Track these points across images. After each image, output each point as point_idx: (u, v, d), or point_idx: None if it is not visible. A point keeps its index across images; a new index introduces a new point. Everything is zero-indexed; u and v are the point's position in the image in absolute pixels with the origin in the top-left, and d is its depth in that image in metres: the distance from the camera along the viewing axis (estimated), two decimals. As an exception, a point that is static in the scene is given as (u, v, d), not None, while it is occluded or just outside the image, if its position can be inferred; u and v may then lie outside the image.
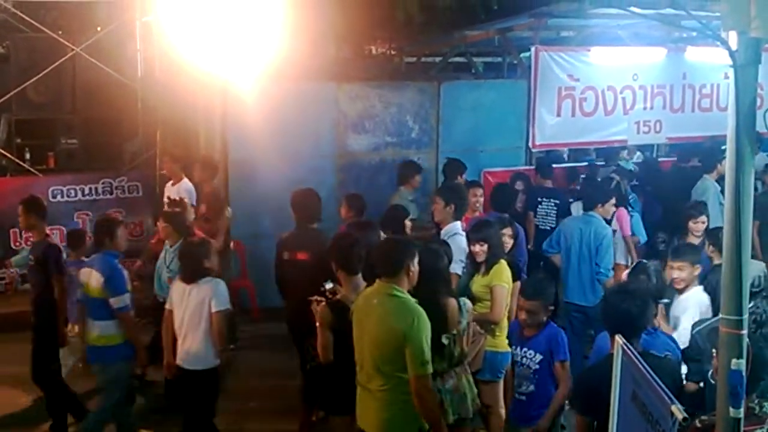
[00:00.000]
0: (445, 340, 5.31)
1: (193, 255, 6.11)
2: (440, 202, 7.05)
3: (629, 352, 3.62)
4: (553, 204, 9.68)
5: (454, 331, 5.41)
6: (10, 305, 9.60)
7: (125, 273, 6.47)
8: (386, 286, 4.86)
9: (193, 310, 5.95)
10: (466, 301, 5.67)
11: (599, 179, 10.25)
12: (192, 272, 6.02)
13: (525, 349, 5.47)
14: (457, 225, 6.98)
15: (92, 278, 6.36)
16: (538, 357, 5.40)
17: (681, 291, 5.86)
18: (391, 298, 4.81)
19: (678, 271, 5.90)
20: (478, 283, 6.28)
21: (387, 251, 5.04)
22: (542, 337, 5.41)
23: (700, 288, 5.90)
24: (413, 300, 4.84)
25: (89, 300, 6.42)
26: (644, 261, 6.32)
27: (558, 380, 5.38)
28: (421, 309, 4.76)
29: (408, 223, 7.11)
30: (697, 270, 5.98)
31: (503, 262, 6.30)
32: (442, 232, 6.98)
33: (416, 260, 4.94)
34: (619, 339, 3.75)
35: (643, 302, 4.26)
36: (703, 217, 7.45)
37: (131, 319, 6.44)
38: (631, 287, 4.39)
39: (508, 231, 6.81)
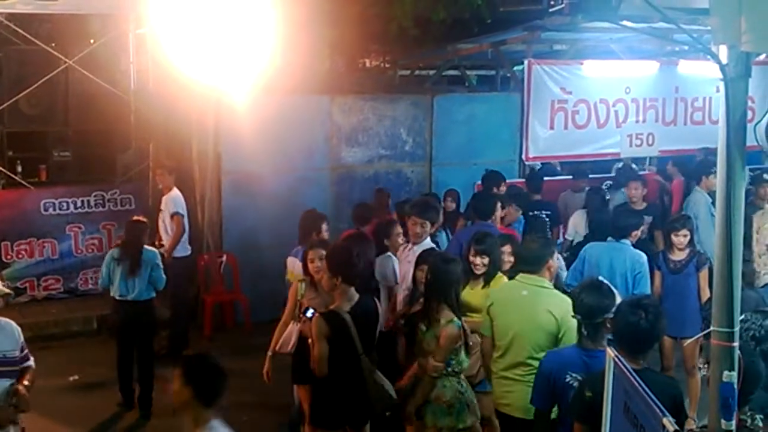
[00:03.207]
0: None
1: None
2: (420, 221, 6.86)
3: (621, 365, 3.62)
4: (545, 216, 9.65)
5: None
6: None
7: None
8: (532, 279, 5.41)
9: None
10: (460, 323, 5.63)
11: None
12: None
13: None
14: (429, 241, 6.95)
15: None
16: None
17: None
18: (541, 290, 5.35)
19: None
20: (477, 295, 6.15)
21: (532, 249, 5.61)
22: None
23: None
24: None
25: None
26: None
27: None
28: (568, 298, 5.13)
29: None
30: None
31: (502, 276, 6.23)
32: (418, 248, 6.74)
33: (555, 257, 5.63)
34: (610, 351, 3.75)
35: (654, 316, 4.23)
36: (685, 230, 7.34)
37: None
38: (644, 302, 4.28)
39: (507, 248, 6.51)
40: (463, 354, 5.49)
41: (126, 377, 7.89)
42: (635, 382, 3.39)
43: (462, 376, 5.56)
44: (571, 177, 11.05)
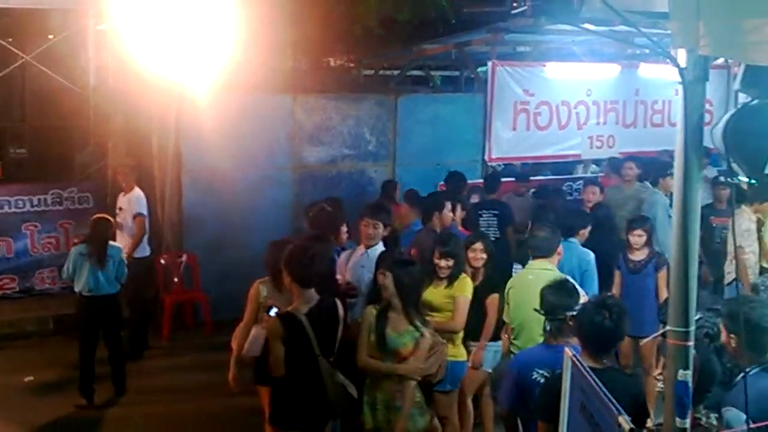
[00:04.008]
0: None
1: None
2: (373, 222, 6.79)
3: (578, 363, 3.64)
4: (492, 215, 9.70)
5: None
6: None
7: None
8: (539, 263, 6.15)
9: None
10: (417, 332, 5.62)
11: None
12: None
13: None
14: (382, 245, 6.84)
15: None
16: None
17: None
18: (545, 272, 5.90)
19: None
20: (440, 294, 6.23)
21: (543, 237, 6.27)
22: None
23: None
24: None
25: None
26: None
27: None
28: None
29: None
30: None
31: (465, 276, 6.31)
32: (371, 251, 6.68)
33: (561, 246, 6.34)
34: (568, 351, 3.78)
35: (618, 317, 4.26)
36: (641, 231, 7.46)
37: None
38: (608, 301, 4.34)
39: (479, 245, 6.58)
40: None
41: (88, 376, 7.84)
42: (592, 381, 3.41)
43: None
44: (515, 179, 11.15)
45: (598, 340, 4.24)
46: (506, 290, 6.23)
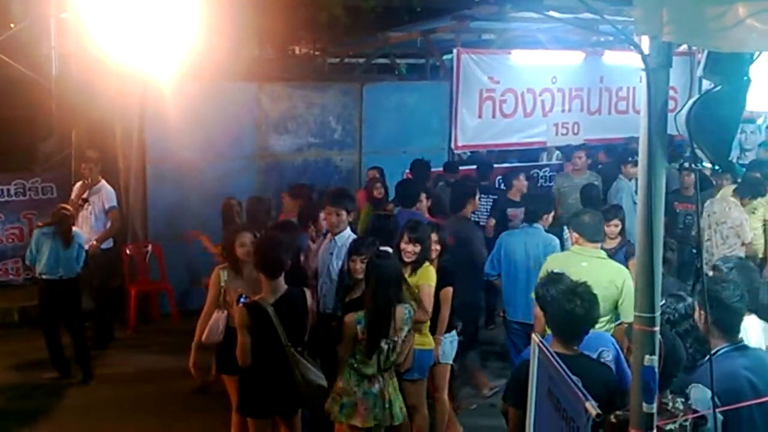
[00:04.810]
0: (384, 345, 5.39)
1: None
2: (335, 210, 6.73)
3: (545, 350, 3.66)
4: (491, 200, 9.86)
5: (395, 338, 5.45)
6: None
7: None
8: (588, 250, 6.17)
9: None
10: (411, 308, 5.64)
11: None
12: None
13: None
14: (350, 231, 6.83)
15: None
16: None
17: None
18: (600, 260, 6.09)
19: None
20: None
21: (592, 221, 6.27)
22: None
23: None
24: None
25: None
26: None
27: None
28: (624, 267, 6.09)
29: None
30: None
31: (428, 264, 6.25)
32: (338, 238, 6.66)
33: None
34: (535, 336, 3.80)
35: (590, 304, 4.28)
36: (617, 221, 7.40)
37: None
38: (579, 289, 4.33)
39: (434, 236, 6.47)
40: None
41: (57, 353, 8.09)
42: (559, 367, 3.44)
43: (385, 374, 5.56)
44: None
45: (570, 327, 4.27)
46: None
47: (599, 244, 6.36)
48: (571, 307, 4.23)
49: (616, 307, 5.96)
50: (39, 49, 11.36)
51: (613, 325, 5.95)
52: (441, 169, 10.72)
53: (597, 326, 5.35)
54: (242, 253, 6.06)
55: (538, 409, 3.71)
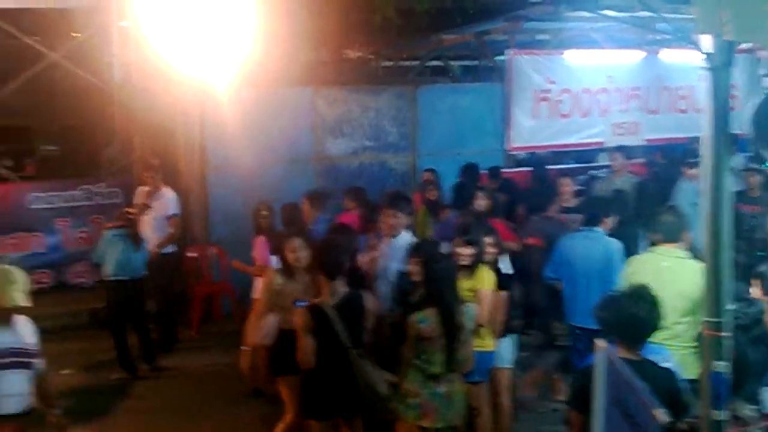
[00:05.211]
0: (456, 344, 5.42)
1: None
2: (392, 212, 6.79)
3: (613, 357, 3.59)
4: None
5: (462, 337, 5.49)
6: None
7: None
8: (669, 251, 5.82)
9: None
10: (470, 308, 5.67)
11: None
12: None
13: None
14: (407, 233, 6.82)
15: None
16: None
17: None
18: (681, 260, 5.75)
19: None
20: (462, 286, 6.05)
21: (671, 221, 5.96)
22: None
23: None
24: None
25: None
26: None
27: None
28: None
29: None
30: None
31: (486, 267, 6.22)
32: (395, 240, 6.68)
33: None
34: (601, 343, 3.74)
35: (652, 307, 4.20)
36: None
37: None
38: (641, 291, 4.23)
39: (490, 239, 6.40)
40: None
41: (125, 353, 8.43)
42: (624, 375, 3.38)
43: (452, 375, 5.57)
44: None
45: (633, 330, 4.17)
46: (627, 276, 5.83)
47: (679, 244, 6.04)
48: (635, 311, 4.14)
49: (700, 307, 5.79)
50: (101, 58, 11.61)
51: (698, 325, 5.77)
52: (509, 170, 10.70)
53: (680, 327, 5.40)
54: (293, 259, 6.07)
55: (604, 415, 3.65)
